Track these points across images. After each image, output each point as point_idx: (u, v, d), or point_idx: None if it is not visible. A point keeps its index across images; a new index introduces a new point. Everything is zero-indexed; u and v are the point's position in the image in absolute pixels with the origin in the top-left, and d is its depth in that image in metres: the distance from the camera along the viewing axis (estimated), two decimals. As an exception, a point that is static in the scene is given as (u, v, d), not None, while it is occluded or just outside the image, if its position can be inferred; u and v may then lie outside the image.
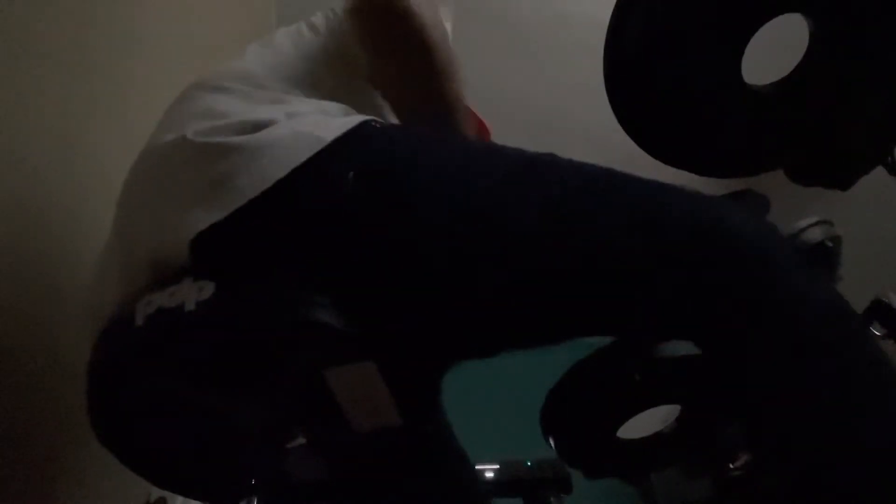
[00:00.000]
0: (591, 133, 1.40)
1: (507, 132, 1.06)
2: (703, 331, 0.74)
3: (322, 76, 0.90)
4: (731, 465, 1.84)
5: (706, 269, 0.71)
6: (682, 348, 0.95)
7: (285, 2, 2.58)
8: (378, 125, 0.76)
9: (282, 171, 0.68)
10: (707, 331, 0.73)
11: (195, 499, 1.02)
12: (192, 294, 0.67)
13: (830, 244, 1.14)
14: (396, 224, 0.71)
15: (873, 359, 0.70)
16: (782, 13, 0.87)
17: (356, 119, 0.74)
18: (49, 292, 1.08)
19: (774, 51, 1.01)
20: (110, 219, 0.85)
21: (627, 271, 0.72)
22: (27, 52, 1.02)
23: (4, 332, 0.97)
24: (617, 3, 0.85)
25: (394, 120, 0.93)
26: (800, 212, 1.18)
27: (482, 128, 1.23)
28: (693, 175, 1.04)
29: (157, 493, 1.29)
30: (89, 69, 1.21)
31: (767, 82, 0.95)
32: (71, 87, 1.15)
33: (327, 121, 0.74)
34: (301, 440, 0.83)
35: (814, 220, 1.18)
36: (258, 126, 0.72)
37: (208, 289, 0.67)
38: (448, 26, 0.91)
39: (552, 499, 1.48)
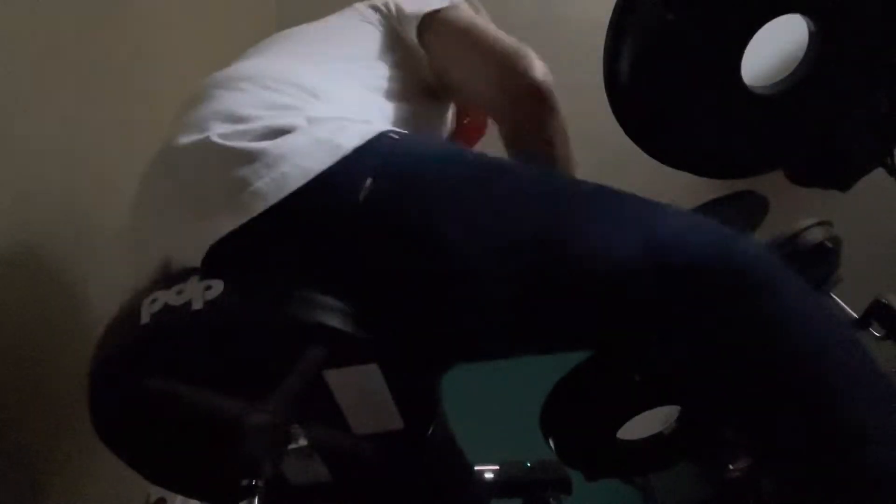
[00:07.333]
0: (592, 134, 1.39)
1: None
2: (699, 348, 0.75)
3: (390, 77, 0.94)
4: (731, 466, 1.84)
5: (705, 291, 0.72)
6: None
7: (285, 4, 2.58)
8: (396, 136, 0.77)
9: (303, 179, 0.69)
10: (703, 348, 0.74)
11: (195, 499, 1.02)
12: (199, 293, 0.67)
13: (830, 245, 1.15)
14: (406, 231, 0.72)
15: (871, 372, 0.70)
16: (782, 13, 0.87)
17: (374, 129, 0.75)
18: (50, 294, 1.08)
19: (774, 51, 1.01)
20: (112, 224, 0.85)
21: (630, 290, 0.73)
22: (30, 60, 1.02)
23: (5, 332, 0.97)
24: (617, 3, 0.85)
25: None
26: (800, 212, 1.18)
27: (480, 125, 1.23)
28: (693, 175, 1.04)
29: (157, 493, 1.29)
30: (92, 76, 1.21)
31: (767, 83, 0.95)
32: (74, 95, 1.15)
33: (347, 126, 0.75)
34: (302, 442, 0.83)
35: (814, 220, 1.18)
36: (280, 132, 0.73)
37: (216, 288, 0.67)
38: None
39: (552, 500, 1.47)
